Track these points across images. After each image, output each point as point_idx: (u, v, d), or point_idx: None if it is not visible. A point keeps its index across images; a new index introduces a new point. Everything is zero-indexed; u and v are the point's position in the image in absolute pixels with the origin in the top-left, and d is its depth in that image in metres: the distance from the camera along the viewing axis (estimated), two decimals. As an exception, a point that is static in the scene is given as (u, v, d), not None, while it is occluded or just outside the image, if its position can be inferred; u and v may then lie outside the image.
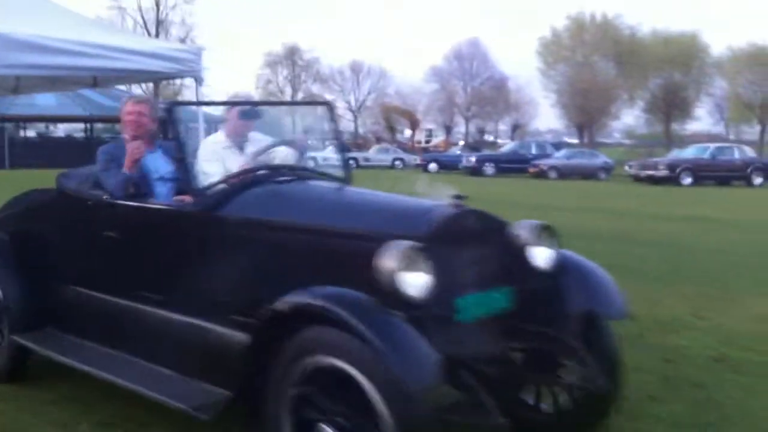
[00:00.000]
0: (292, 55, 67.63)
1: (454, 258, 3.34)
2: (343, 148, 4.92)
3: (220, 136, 4.88)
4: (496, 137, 71.37)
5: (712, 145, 33.94)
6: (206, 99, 9.68)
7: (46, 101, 36.18)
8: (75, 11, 7.97)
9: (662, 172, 30.75)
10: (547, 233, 3.65)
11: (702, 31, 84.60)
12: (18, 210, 5.39)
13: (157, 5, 44.56)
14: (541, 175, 34.33)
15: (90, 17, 9.36)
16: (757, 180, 30.47)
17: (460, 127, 71.23)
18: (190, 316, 3.85)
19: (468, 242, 3.43)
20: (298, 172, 4.32)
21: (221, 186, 4.03)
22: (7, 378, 4.89)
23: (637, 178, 32.14)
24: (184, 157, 4.08)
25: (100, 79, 8.40)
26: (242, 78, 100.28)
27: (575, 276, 3.70)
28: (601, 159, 37.13)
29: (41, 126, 50.44)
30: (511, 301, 3.52)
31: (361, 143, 57.15)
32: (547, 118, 69.84)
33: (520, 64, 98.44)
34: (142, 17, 44.40)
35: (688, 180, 30.23)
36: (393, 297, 3.04)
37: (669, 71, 60.74)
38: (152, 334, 4.11)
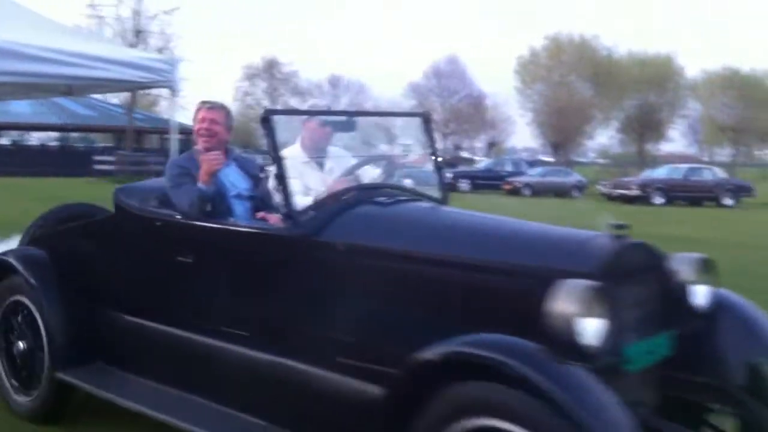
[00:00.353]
0: (270, 68, 67.60)
1: (622, 298, 2.90)
2: (439, 164, 4.29)
3: (296, 150, 4.39)
4: (472, 154, 71.70)
5: (684, 166, 34.34)
6: (181, 110, 9.71)
7: (20, 109, 35.93)
8: (51, 19, 7.98)
9: (634, 192, 31.03)
10: (707, 268, 3.30)
11: (677, 54, 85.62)
12: (60, 225, 4.83)
13: (136, 15, 44.37)
14: (515, 191, 34.55)
15: (68, 25, 9.34)
16: (728, 201, 30.80)
17: (437, 143, 71.26)
18: (284, 357, 3.35)
19: (633, 279, 3.02)
20: (395, 192, 3.83)
21: (321, 206, 3.53)
22: (46, 419, 4.34)
23: (610, 197, 32.41)
24: (283, 173, 3.50)
25: (74, 88, 8.37)
26: (220, 90, 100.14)
27: (734, 317, 3.32)
28: (574, 177, 37.47)
29: (15, 134, 50.03)
30: (672, 347, 3.12)
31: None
32: (524, 136, 70.32)
33: (497, 82, 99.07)
34: (121, 27, 44.18)
35: (659, 199, 30.52)
36: (566, 346, 2.59)
37: (644, 92, 61.46)
38: (233, 376, 3.59)
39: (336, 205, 3.55)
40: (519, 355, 2.52)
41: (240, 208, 4.11)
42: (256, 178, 4.27)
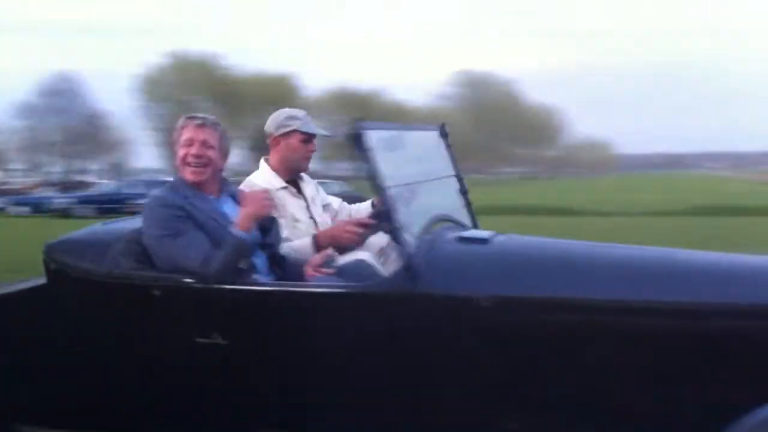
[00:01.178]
0: None
1: None
2: (463, 185, 3.67)
3: (266, 173, 3.60)
4: (98, 177, 68.57)
5: (319, 181, 35.34)
6: None
7: None
8: None
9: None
10: None
11: (297, 73, 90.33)
12: None
13: None
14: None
15: None
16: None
17: (55, 167, 67.11)
18: None
19: None
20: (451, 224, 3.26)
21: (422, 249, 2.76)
22: None
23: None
24: (389, 209, 2.70)
25: None
26: None
27: None
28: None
29: None
30: None
31: None
32: (149, 156, 68.94)
33: (118, 100, 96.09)
34: None
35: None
36: None
37: (266, 111, 63.49)
38: None
39: (433, 248, 2.82)
40: None
41: (258, 260, 3.13)
42: (265, 221, 3.21)
